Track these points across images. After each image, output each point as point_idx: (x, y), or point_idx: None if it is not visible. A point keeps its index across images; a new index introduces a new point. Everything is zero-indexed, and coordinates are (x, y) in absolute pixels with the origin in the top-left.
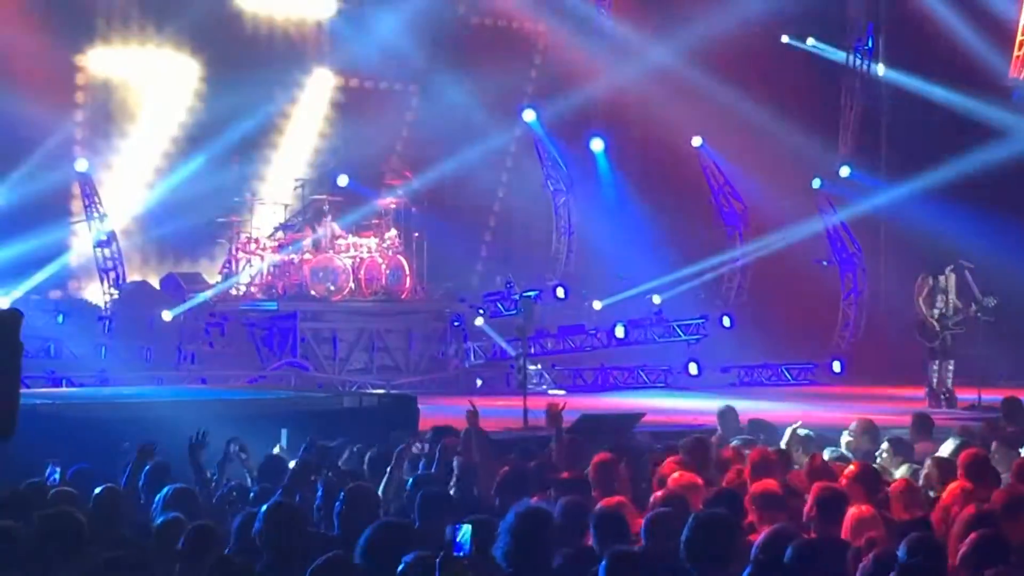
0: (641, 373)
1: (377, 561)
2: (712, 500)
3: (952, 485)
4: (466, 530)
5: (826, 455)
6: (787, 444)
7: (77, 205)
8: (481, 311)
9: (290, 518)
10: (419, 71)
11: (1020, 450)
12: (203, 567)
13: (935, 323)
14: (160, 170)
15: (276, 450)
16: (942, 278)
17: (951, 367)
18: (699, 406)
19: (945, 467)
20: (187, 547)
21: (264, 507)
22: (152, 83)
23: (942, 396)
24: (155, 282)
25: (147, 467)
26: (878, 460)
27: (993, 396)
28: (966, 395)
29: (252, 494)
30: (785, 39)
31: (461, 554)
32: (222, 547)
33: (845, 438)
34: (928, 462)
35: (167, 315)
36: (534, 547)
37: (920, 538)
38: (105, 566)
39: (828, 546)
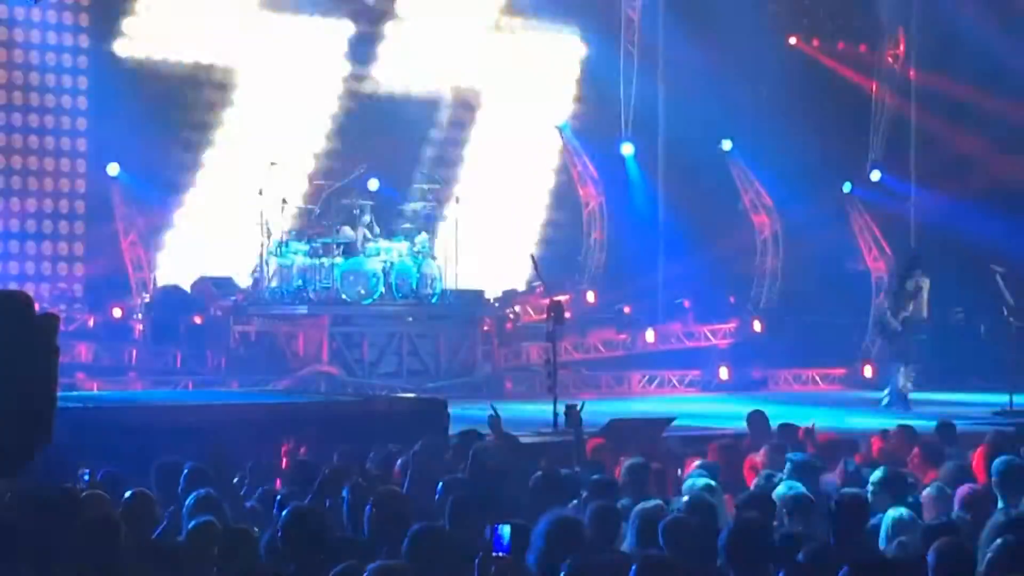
0: (671, 377)
1: (416, 565)
2: (743, 504)
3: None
4: (506, 530)
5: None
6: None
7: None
8: (512, 315)
9: (307, 524)
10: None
11: None
12: (236, 572)
13: (898, 326)
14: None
15: None
16: (911, 282)
17: (912, 372)
18: (729, 411)
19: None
20: (220, 552)
21: (284, 513)
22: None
23: (901, 400)
24: (186, 286)
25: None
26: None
27: None
28: (996, 400)
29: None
30: (816, 43)
31: (501, 553)
32: (254, 552)
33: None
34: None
35: (198, 319)
36: (565, 554)
37: (949, 543)
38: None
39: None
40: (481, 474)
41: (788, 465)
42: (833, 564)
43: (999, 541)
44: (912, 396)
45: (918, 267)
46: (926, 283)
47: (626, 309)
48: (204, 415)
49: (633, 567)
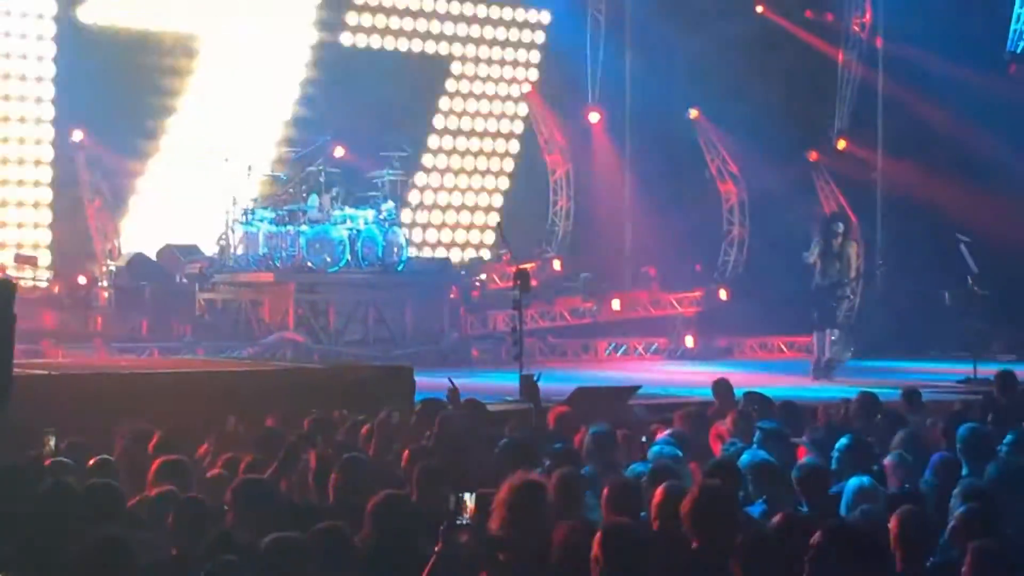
0: (637, 346)
1: (378, 533)
2: (709, 472)
3: None
4: (470, 499)
5: None
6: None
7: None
8: (478, 283)
9: (256, 492)
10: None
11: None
12: (199, 541)
13: (826, 290)
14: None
15: None
16: (835, 243)
17: (834, 336)
18: (695, 379)
19: None
20: (177, 520)
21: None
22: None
23: (827, 368)
24: (152, 254)
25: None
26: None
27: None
28: (962, 369)
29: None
30: (783, 12)
31: (465, 522)
32: (213, 521)
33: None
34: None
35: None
36: (529, 519)
37: (910, 511)
38: (103, 543)
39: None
40: (447, 442)
41: (758, 434)
42: (799, 531)
43: (960, 509)
44: (850, 364)
45: (839, 225)
46: (854, 246)
47: (592, 277)
48: (170, 382)
49: (598, 534)
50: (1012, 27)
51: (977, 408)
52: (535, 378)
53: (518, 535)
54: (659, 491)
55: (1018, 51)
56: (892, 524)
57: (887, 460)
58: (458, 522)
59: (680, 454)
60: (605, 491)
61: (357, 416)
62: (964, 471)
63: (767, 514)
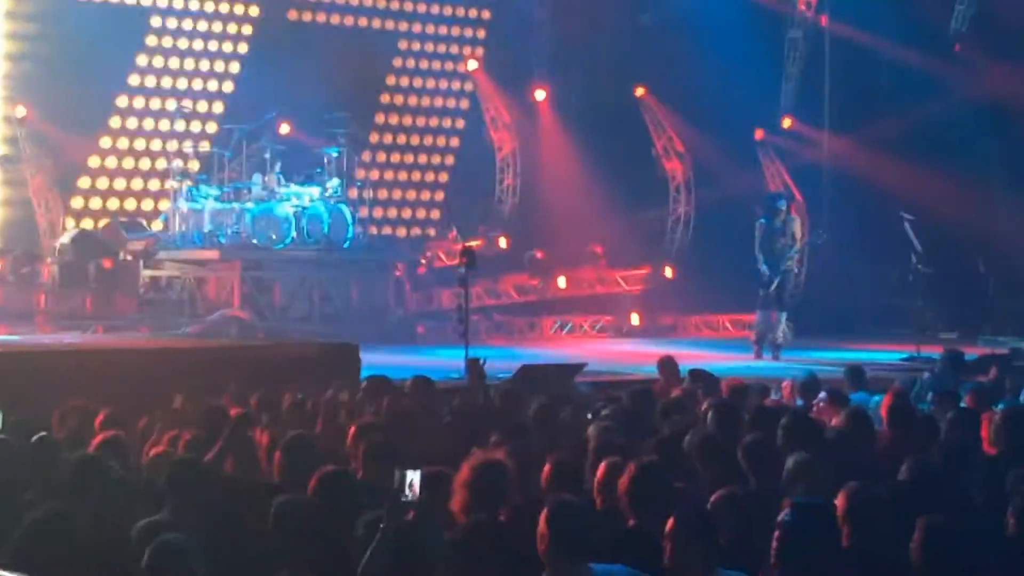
0: (583, 323)
1: (323, 510)
2: (654, 449)
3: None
4: (415, 477)
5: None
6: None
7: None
8: (424, 260)
9: (190, 472)
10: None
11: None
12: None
13: (767, 269)
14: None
15: None
16: (778, 221)
17: (783, 317)
18: (641, 357)
19: None
20: (102, 499)
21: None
22: None
23: (772, 347)
24: (96, 230)
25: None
26: (814, 411)
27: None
28: (904, 348)
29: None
30: None
31: (411, 499)
32: (148, 501)
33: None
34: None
35: (108, 264)
36: (491, 499)
37: (857, 487)
38: (46, 518)
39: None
40: (394, 420)
41: (707, 412)
42: (747, 508)
43: (900, 485)
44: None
45: (781, 201)
46: (797, 222)
47: (538, 254)
48: (114, 360)
49: (544, 510)
50: (956, 7)
51: (918, 385)
52: (481, 362)
53: (479, 515)
54: (601, 468)
55: (963, 30)
56: (839, 500)
57: (829, 436)
58: (403, 499)
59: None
60: (547, 467)
61: (302, 394)
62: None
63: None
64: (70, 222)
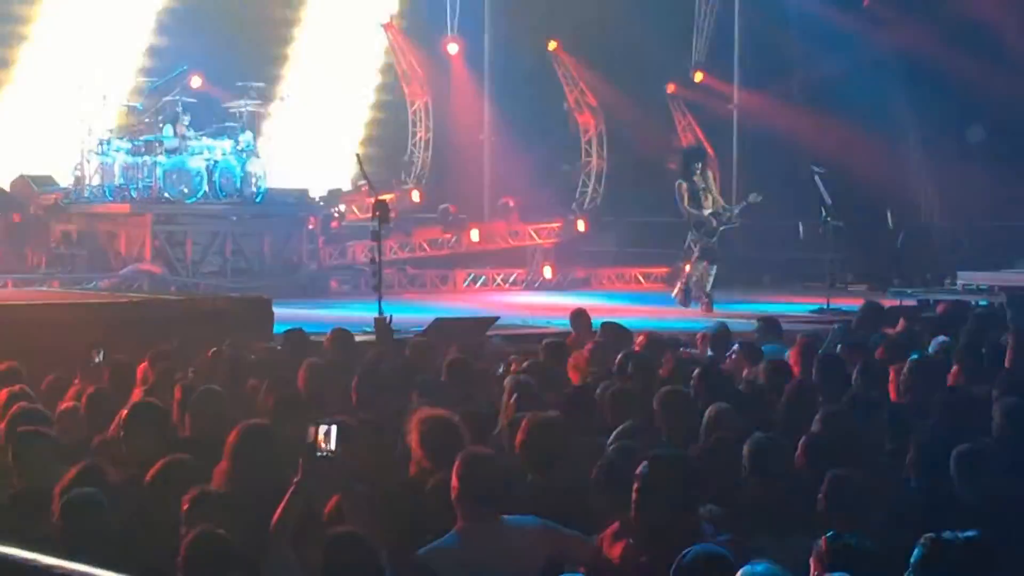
0: (496, 276)
1: (239, 464)
2: (566, 402)
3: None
4: (332, 430)
5: None
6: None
7: None
8: (337, 214)
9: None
10: None
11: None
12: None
13: (713, 220)
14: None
15: None
16: (697, 178)
17: (714, 270)
18: (554, 310)
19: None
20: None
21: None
22: None
23: (703, 298)
24: (4, 185)
25: None
26: (727, 363)
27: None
28: (816, 301)
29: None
30: None
31: (326, 453)
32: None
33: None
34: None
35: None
36: (448, 453)
37: (763, 438)
38: None
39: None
40: (310, 374)
41: (619, 363)
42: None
43: (808, 435)
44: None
45: (699, 160)
46: (710, 176)
47: (451, 208)
48: (24, 315)
49: (456, 463)
50: None
51: (829, 336)
52: (388, 320)
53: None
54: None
55: None
56: (744, 451)
57: (742, 387)
58: (319, 454)
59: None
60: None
61: (214, 348)
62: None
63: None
64: None
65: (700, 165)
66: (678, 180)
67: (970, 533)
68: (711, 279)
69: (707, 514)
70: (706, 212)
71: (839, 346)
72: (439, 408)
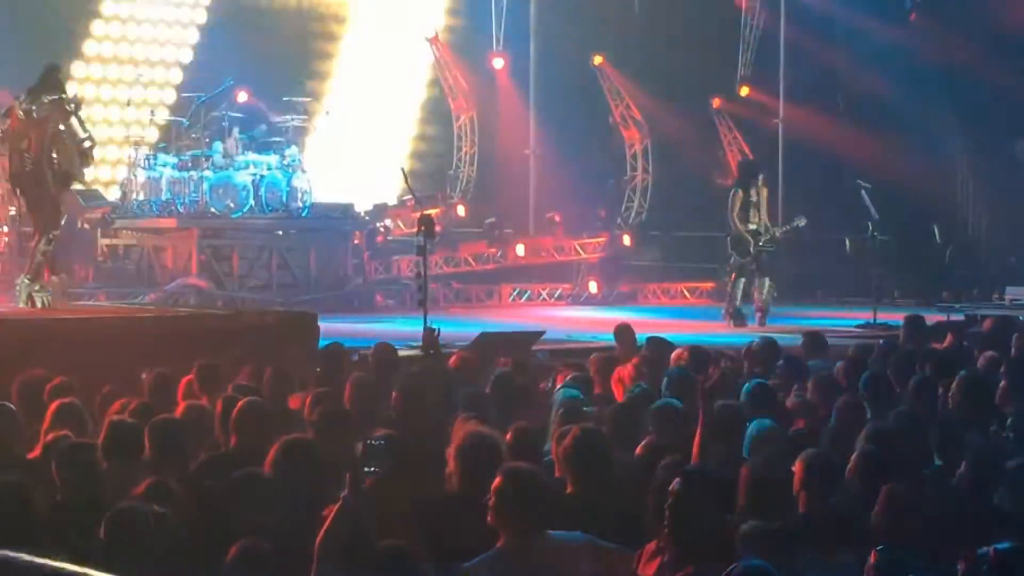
0: (541, 291)
1: (284, 478)
2: (612, 416)
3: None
4: (380, 445)
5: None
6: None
7: None
8: (382, 228)
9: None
10: None
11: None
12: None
13: (750, 237)
14: None
15: None
16: (753, 192)
17: (767, 284)
18: (599, 324)
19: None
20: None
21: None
22: None
23: (759, 312)
24: None
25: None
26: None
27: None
28: (862, 316)
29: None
30: None
31: (373, 468)
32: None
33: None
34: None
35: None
36: (486, 470)
37: (813, 454)
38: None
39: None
40: (351, 389)
41: (665, 379)
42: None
43: (859, 451)
44: (773, 309)
45: (758, 173)
46: (764, 192)
47: (497, 223)
48: (72, 328)
49: (497, 478)
50: None
51: (876, 352)
52: (436, 332)
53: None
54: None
55: (919, 0)
56: (796, 467)
57: (789, 404)
58: (365, 469)
59: (580, 396)
60: (508, 436)
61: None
62: (868, 414)
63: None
64: None
65: (759, 179)
66: (735, 188)
67: (1006, 544)
68: (765, 292)
69: (751, 530)
70: (750, 227)
71: (886, 361)
72: (483, 423)
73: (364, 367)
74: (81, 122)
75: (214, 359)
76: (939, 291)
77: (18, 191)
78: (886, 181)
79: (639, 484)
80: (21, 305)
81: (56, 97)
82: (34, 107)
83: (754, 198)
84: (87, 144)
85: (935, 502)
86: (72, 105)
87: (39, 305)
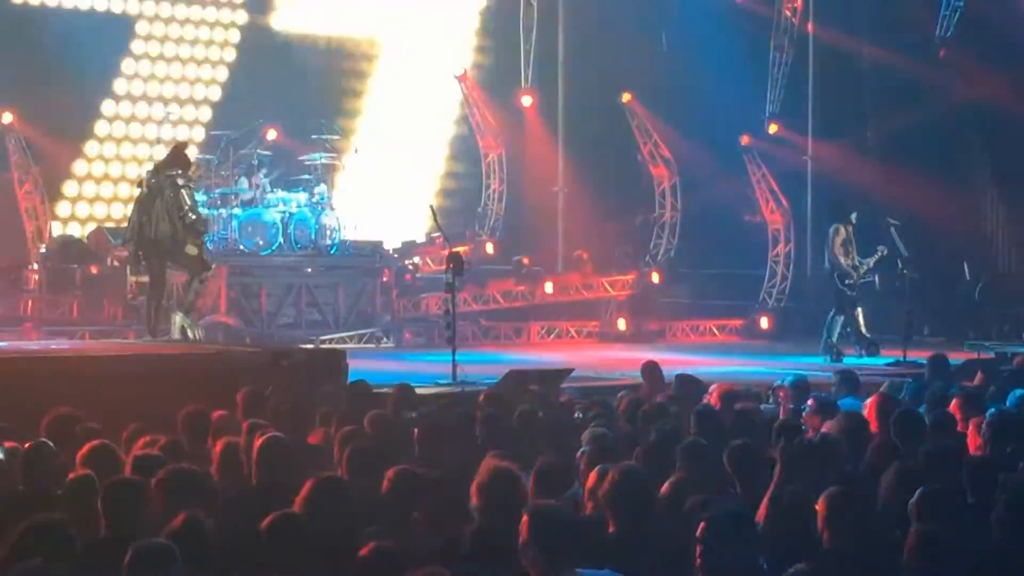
0: (570, 328)
1: (316, 517)
2: (643, 454)
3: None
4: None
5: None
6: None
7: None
8: (411, 266)
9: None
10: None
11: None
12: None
13: (853, 272)
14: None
15: None
16: (850, 228)
17: (861, 314)
18: (628, 363)
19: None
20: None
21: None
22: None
23: (862, 345)
24: (83, 237)
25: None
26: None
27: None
28: (890, 353)
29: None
30: None
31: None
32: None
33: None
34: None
35: (94, 270)
36: (509, 506)
37: (838, 492)
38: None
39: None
40: (379, 425)
41: (692, 417)
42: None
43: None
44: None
45: (855, 210)
46: (851, 229)
47: (525, 260)
48: (101, 366)
49: (524, 517)
50: (942, 11)
51: (904, 389)
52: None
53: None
54: (592, 474)
55: (948, 36)
56: (819, 506)
57: (816, 442)
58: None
59: (608, 433)
60: (533, 474)
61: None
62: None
63: None
64: (56, 228)
65: (853, 216)
66: (835, 224)
67: None
68: (862, 323)
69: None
70: (851, 262)
71: (915, 399)
72: (509, 460)
73: (384, 404)
74: (187, 197)
75: (243, 395)
76: (968, 329)
77: (141, 254)
78: (915, 218)
79: (668, 523)
80: (176, 338)
81: (173, 172)
82: (154, 179)
83: (850, 234)
84: (191, 217)
85: (968, 542)
86: (182, 180)
87: (190, 337)
